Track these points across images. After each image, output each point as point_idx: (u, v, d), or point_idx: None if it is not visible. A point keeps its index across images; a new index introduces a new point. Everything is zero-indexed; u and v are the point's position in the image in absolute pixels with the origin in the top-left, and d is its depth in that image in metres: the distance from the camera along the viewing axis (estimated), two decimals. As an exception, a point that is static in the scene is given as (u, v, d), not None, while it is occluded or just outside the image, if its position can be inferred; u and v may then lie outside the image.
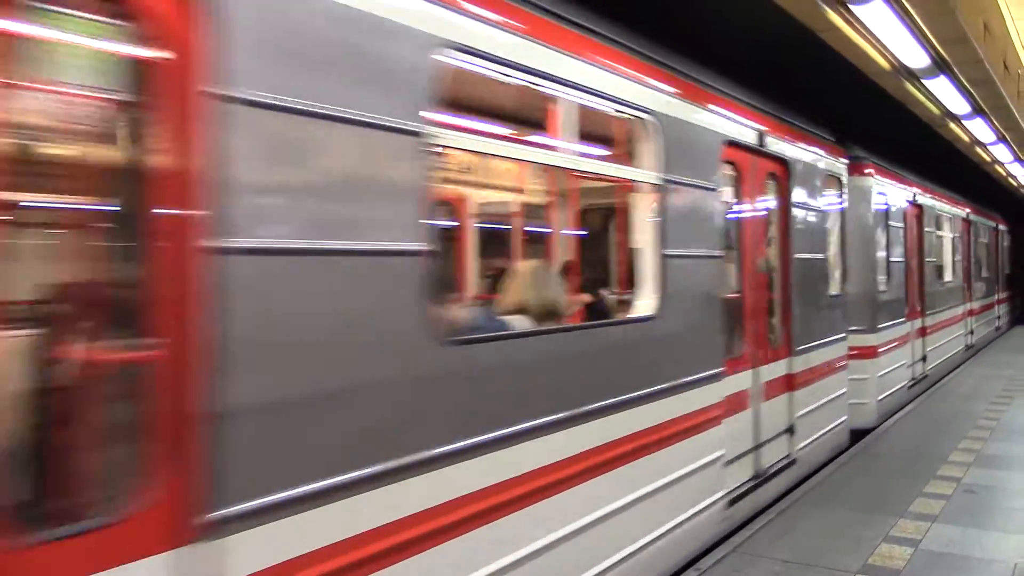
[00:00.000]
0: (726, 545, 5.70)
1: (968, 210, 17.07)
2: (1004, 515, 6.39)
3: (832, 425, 8.04)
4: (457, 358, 3.33)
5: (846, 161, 8.68)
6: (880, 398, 9.89)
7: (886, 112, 10.46)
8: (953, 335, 14.96)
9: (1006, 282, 24.07)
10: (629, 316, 4.86)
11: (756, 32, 7.17)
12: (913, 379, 11.84)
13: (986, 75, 9.27)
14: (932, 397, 11.93)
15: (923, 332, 12.60)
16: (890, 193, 10.60)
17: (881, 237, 10.41)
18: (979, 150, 14.38)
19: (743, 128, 6.17)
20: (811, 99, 8.36)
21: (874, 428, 9.64)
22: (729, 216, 6.25)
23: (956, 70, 8.68)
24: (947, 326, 14.35)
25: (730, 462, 5.85)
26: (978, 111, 10.85)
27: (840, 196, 8.56)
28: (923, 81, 8.88)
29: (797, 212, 7.20)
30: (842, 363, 8.43)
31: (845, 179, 8.63)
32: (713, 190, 5.57)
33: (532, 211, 8.75)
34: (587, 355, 4.24)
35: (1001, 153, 14.78)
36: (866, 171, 9.78)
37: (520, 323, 4.18)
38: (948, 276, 14.94)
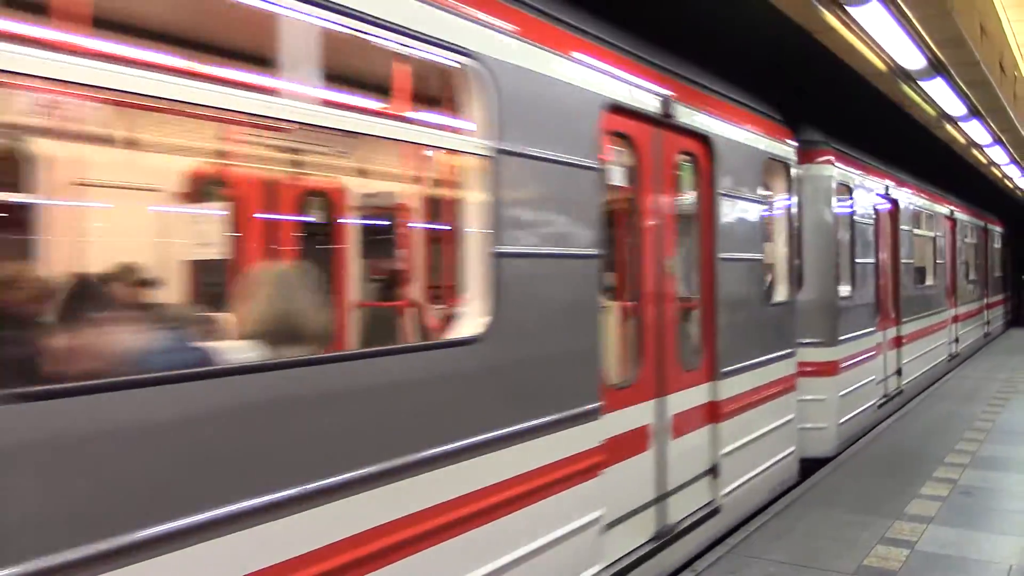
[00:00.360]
0: (722, 546, 5.63)
1: (952, 207, 15.74)
2: (1000, 517, 6.37)
3: (773, 460, 6.69)
4: (28, 422, 1.98)
5: (795, 144, 7.33)
6: (841, 422, 8.53)
7: (882, 112, 10.46)
8: (935, 344, 13.61)
9: (998, 285, 22.78)
10: (438, 339, 3.52)
11: (751, 32, 7.07)
12: (885, 396, 10.50)
13: (982, 77, 9.29)
14: (928, 399, 11.84)
15: (898, 342, 11.26)
16: (856, 185, 9.26)
17: (844, 235, 9.07)
18: (975, 152, 14.46)
19: (637, 91, 4.81)
20: (802, 93, 8.44)
21: (833, 457, 8.31)
22: (621, 204, 4.93)
23: (952, 72, 8.66)
24: (927, 334, 13.00)
25: (615, 523, 4.50)
26: (974, 113, 10.82)
27: (788, 185, 7.22)
28: (919, 83, 8.90)
29: (724, 202, 5.86)
30: (788, 383, 7.09)
31: (794, 166, 7.29)
32: (588, 168, 4.23)
33: (435, 204, 7.42)
34: (357, 397, 2.89)
35: (997, 155, 14.86)
36: (824, 158, 8.44)
37: (243, 351, 2.84)
38: (929, 279, 13.61)
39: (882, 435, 9.33)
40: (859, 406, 9.13)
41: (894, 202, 11.15)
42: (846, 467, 7.89)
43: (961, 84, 9.27)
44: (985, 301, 20.05)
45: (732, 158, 5.99)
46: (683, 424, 5.31)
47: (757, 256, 6.45)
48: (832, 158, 8.50)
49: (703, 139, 5.63)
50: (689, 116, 5.40)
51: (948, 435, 9.20)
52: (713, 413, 5.70)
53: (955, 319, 15.73)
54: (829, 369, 8.35)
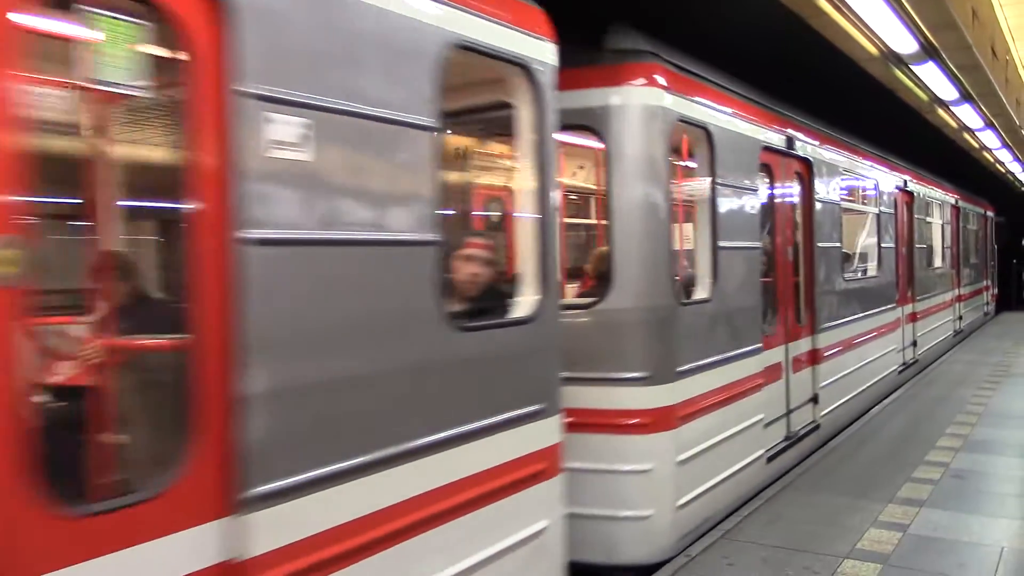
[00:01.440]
0: (716, 531, 5.56)
1: (908, 176, 12.56)
2: (992, 499, 6.40)
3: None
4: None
5: (547, 40, 4.09)
6: (683, 502, 5.34)
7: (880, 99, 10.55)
8: (877, 354, 10.42)
9: (975, 272, 19.69)
10: None
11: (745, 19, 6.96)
12: (787, 438, 7.33)
13: (974, 61, 9.33)
14: (920, 383, 11.74)
15: (814, 358, 8.10)
16: (719, 127, 6.04)
17: (702, 205, 5.91)
18: (967, 136, 14.39)
19: None
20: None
21: (668, 560, 5.15)
22: None
23: (944, 56, 8.71)
24: (865, 342, 9.82)
25: None
26: (966, 97, 10.82)
27: (538, 111, 4.02)
28: (911, 67, 9.01)
29: (274, 120, 2.66)
30: (540, 466, 3.91)
31: (542, 71, 4.06)
32: None
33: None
34: None
35: (989, 139, 14.87)
36: (644, 79, 5.20)
37: None
38: (871, 269, 10.45)
39: (873, 420, 9.19)
40: (724, 470, 5.92)
41: (804, 162, 7.95)
42: (838, 452, 7.82)
43: (953, 68, 9.25)
44: (957, 292, 16.91)
45: (300, 20, 2.79)
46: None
47: (418, 237, 3.25)
48: (661, 79, 5.26)
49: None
50: None
51: (940, 419, 9.22)
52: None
53: (912, 318, 12.59)
54: (658, 421, 5.15)
